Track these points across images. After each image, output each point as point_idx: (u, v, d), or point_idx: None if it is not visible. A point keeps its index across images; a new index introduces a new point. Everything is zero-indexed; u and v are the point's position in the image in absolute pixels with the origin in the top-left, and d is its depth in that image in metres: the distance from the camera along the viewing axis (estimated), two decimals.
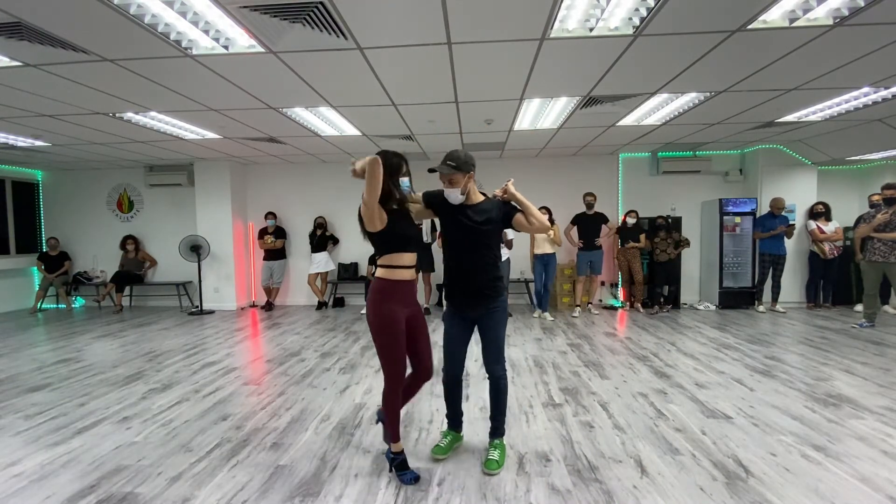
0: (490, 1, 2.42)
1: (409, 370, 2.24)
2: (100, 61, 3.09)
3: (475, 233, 2.20)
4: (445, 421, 2.49)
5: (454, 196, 2.18)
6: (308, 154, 6.60)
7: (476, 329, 2.31)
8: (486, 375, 2.32)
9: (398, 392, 2.14)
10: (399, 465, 2.15)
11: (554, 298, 6.76)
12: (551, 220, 6.06)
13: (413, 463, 2.27)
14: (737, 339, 4.73)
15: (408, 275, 2.12)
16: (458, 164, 2.12)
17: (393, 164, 2.06)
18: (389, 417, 2.15)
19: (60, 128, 4.81)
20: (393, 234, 2.07)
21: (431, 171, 2.19)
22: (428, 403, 3.07)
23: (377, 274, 2.12)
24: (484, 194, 2.30)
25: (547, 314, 6.06)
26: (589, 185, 6.74)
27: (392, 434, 2.17)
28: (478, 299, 2.22)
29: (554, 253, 6.04)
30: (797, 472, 2.15)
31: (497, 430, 2.34)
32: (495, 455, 2.25)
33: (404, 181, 2.11)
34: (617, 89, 3.88)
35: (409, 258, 2.12)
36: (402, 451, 2.19)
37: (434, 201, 2.27)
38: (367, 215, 2.00)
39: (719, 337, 4.83)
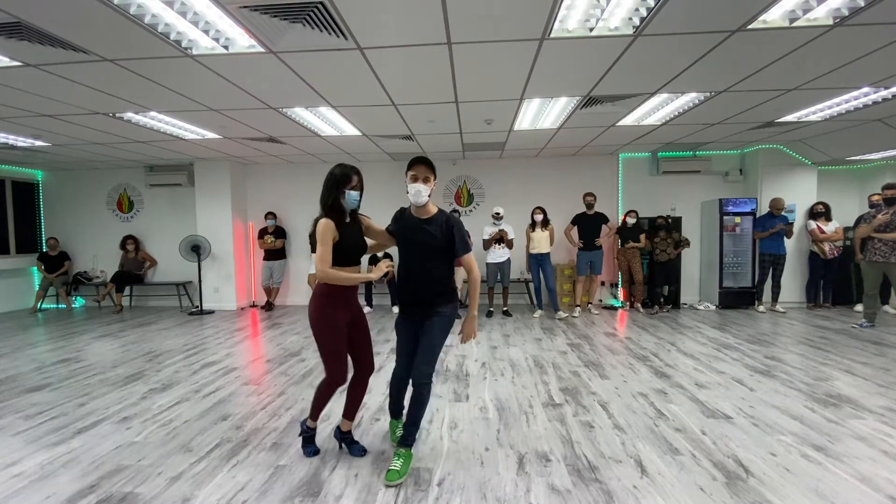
0: (490, 1, 2.42)
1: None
2: (100, 61, 3.09)
3: (432, 245, 2.23)
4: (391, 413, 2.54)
5: (424, 194, 2.20)
6: (308, 154, 6.60)
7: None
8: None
9: (337, 387, 2.28)
10: (308, 438, 2.42)
11: None
12: (546, 221, 6.09)
13: (414, 462, 2.27)
14: (737, 339, 4.73)
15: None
16: (434, 166, 2.25)
17: (336, 175, 2.17)
18: (318, 403, 2.34)
19: (60, 128, 4.81)
20: (342, 250, 2.17)
21: (415, 161, 2.23)
22: (428, 403, 3.06)
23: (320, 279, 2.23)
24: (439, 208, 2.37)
25: (561, 311, 6.03)
26: (589, 185, 6.74)
27: (314, 415, 2.39)
28: (425, 307, 2.27)
29: (548, 252, 6.04)
30: (797, 472, 2.15)
31: (406, 439, 2.24)
32: (397, 465, 2.16)
33: (353, 194, 2.20)
34: (617, 89, 3.88)
35: (354, 269, 2.26)
36: (315, 427, 2.43)
37: (394, 223, 2.37)
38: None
39: (719, 337, 4.83)
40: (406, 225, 2.29)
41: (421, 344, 2.24)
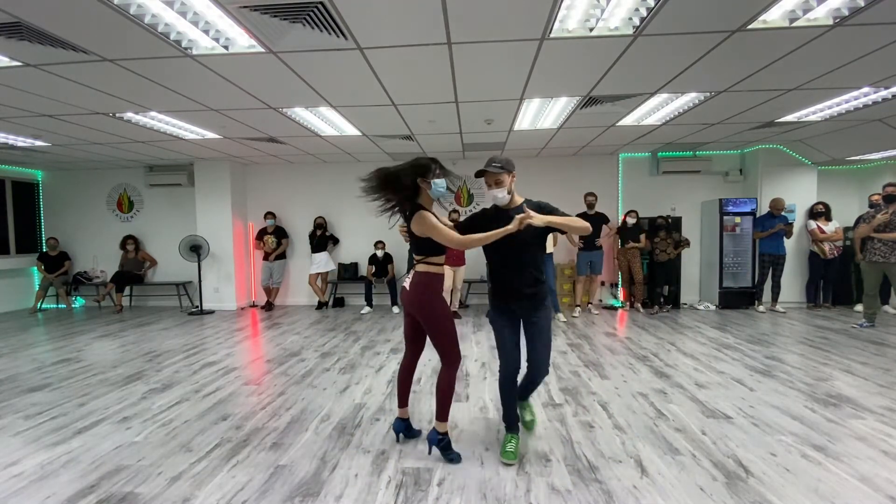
0: (490, 1, 2.42)
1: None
2: (100, 61, 3.09)
3: (521, 236, 2.19)
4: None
5: (501, 196, 2.26)
6: (308, 154, 6.60)
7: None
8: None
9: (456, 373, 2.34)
10: (447, 445, 2.32)
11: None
12: None
13: (414, 462, 2.28)
14: (737, 339, 4.73)
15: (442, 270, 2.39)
16: (502, 165, 2.24)
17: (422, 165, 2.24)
18: (448, 398, 2.31)
19: (60, 128, 4.81)
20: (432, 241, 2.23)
21: (479, 174, 2.26)
22: (428, 403, 3.07)
23: (422, 269, 2.29)
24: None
25: (560, 315, 6.01)
26: (589, 185, 6.74)
27: (444, 414, 2.32)
28: (523, 299, 2.28)
29: (552, 253, 6.04)
30: (797, 472, 2.15)
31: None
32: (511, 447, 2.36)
33: (438, 182, 2.24)
34: (617, 89, 3.88)
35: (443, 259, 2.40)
36: (446, 432, 2.33)
37: (475, 222, 2.35)
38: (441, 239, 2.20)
39: (719, 337, 4.83)
40: (499, 219, 2.27)
41: (531, 342, 2.32)
